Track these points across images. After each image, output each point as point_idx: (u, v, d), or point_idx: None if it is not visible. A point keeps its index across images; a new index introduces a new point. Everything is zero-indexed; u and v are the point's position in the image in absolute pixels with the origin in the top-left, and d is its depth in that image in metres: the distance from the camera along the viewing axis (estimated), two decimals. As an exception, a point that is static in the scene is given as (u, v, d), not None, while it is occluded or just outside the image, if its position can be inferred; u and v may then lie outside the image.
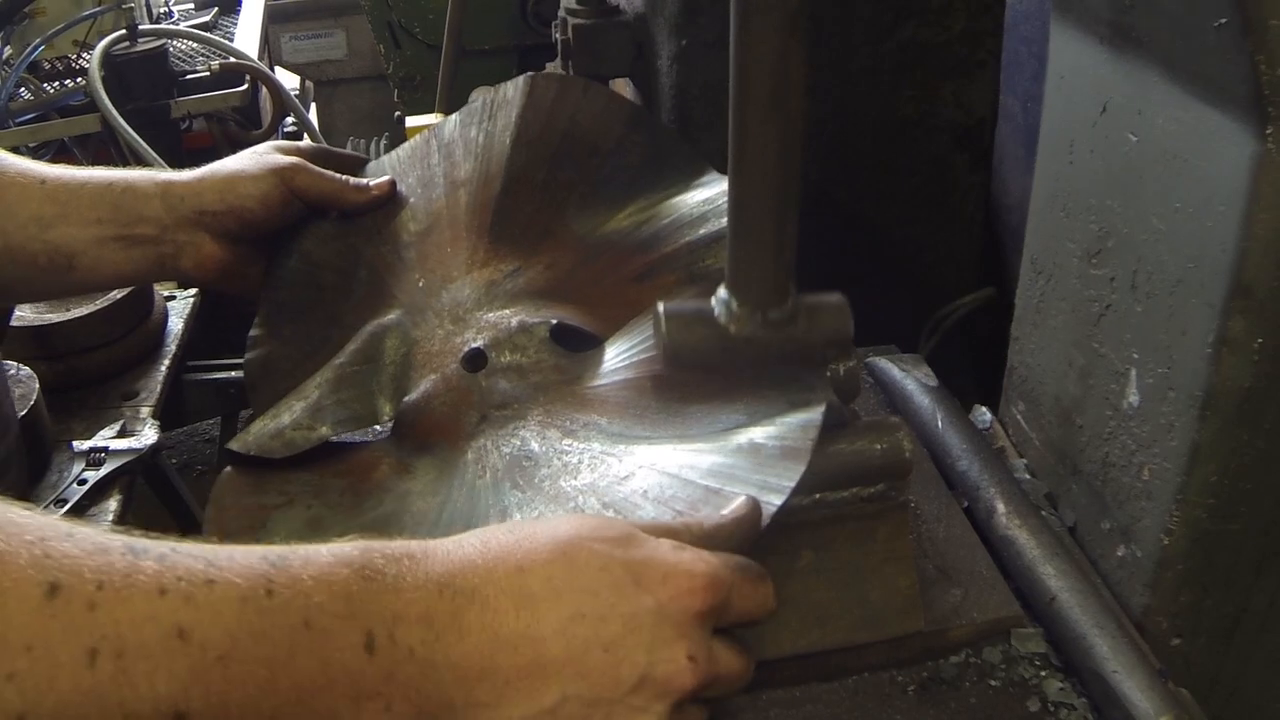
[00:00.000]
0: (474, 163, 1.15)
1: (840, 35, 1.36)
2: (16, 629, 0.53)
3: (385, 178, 1.17)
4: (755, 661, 0.72)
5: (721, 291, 0.81)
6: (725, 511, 0.72)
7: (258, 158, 1.11)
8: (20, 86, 2.19)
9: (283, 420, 0.99)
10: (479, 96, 1.21)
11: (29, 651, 0.53)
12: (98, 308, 1.20)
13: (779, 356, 0.79)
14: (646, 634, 0.65)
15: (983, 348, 1.50)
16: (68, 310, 1.21)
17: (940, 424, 1.02)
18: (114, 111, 2.05)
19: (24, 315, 1.20)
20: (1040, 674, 0.82)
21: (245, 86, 2.27)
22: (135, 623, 0.55)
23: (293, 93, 2.42)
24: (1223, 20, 0.67)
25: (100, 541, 0.57)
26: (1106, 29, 0.83)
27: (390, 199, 1.16)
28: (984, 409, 1.11)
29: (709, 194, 1.09)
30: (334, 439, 0.98)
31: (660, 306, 0.82)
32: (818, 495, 0.79)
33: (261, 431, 0.98)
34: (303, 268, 1.14)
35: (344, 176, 1.16)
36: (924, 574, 0.87)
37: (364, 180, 1.17)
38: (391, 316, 1.06)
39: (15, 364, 1.09)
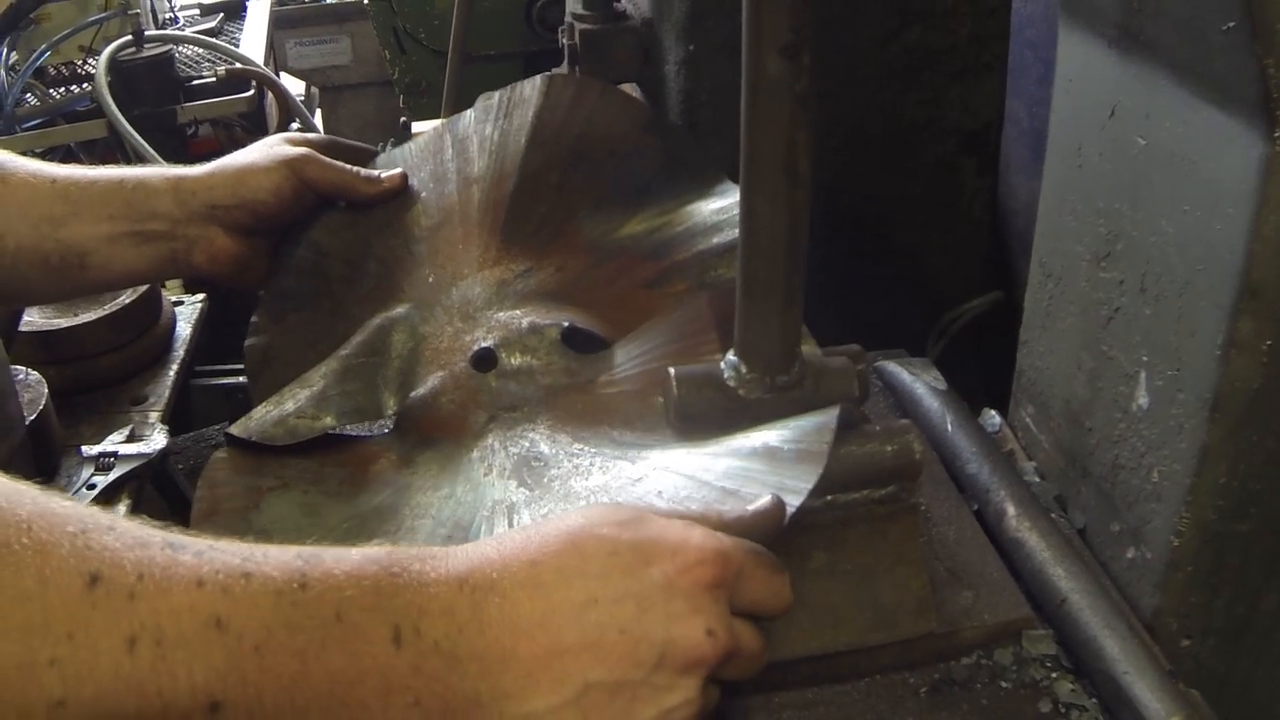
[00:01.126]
0: (488, 160, 1.15)
1: (847, 40, 1.36)
2: (58, 617, 0.54)
3: (397, 170, 1.17)
4: (769, 651, 0.72)
5: (731, 355, 0.83)
6: (749, 507, 0.72)
7: (267, 150, 1.12)
8: (26, 92, 2.18)
9: (286, 407, 0.98)
10: (495, 95, 1.21)
11: (70, 639, 0.54)
12: (106, 313, 1.20)
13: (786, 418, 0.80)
14: (660, 611, 0.65)
15: (991, 351, 1.50)
16: (76, 315, 1.21)
17: (950, 427, 1.02)
18: (120, 117, 2.05)
19: (32, 320, 1.20)
20: (1051, 675, 0.82)
21: (251, 92, 2.27)
22: (174, 613, 0.56)
23: (298, 99, 2.43)
24: (1231, 24, 0.67)
25: (140, 535, 0.59)
26: (1114, 32, 0.83)
27: (402, 192, 1.16)
28: (993, 412, 1.11)
29: (723, 203, 1.09)
30: (336, 430, 0.98)
31: (671, 369, 0.83)
32: (829, 497, 0.79)
33: (264, 418, 0.98)
34: (310, 256, 1.13)
35: (354, 168, 1.16)
36: (935, 576, 0.87)
37: (375, 172, 1.17)
38: (400, 310, 1.05)
39: (24, 369, 1.09)
